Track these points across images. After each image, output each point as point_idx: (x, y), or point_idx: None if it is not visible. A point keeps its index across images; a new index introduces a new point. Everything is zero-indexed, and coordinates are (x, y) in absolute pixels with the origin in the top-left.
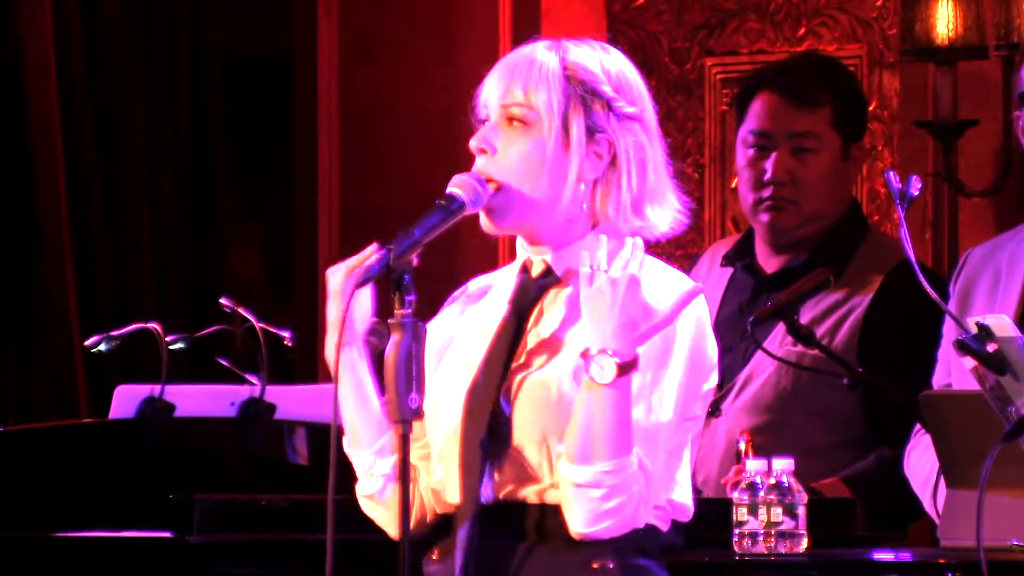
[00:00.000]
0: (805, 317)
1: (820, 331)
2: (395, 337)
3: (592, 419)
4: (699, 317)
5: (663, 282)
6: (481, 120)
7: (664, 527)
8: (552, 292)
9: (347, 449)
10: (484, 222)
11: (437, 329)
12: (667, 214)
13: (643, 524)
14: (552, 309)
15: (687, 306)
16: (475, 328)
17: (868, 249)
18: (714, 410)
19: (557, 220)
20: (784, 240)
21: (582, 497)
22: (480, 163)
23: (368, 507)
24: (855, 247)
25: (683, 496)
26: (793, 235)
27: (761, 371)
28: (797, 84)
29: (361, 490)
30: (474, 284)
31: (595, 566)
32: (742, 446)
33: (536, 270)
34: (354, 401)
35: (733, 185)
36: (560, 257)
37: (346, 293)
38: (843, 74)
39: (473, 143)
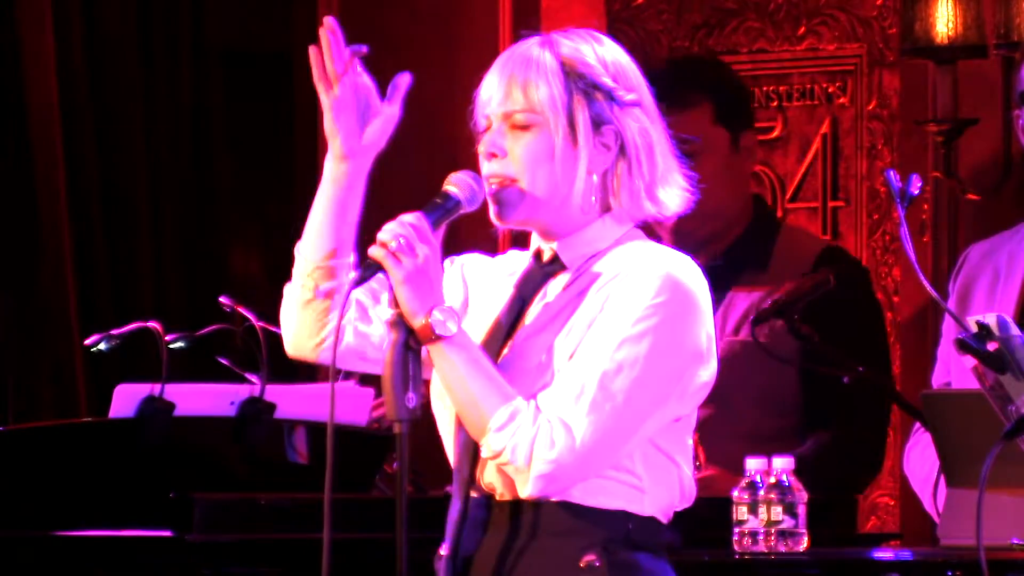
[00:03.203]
0: (737, 312)
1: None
2: (391, 336)
3: (458, 386)
4: (681, 294)
5: (640, 258)
6: (483, 129)
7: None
8: (557, 278)
9: (297, 249)
10: (493, 217)
11: (474, 273)
12: (676, 194)
13: (594, 474)
14: (555, 295)
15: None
16: (486, 311)
17: (786, 239)
18: None
19: (568, 213)
20: (687, 242)
21: (507, 469)
22: (492, 167)
23: (286, 310)
24: (773, 238)
25: (690, 480)
26: (695, 236)
27: None
28: (670, 89)
29: (289, 292)
30: (510, 258)
31: (582, 564)
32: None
33: (546, 257)
34: (331, 210)
35: None
36: (567, 245)
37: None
38: (717, 69)
39: (481, 148)
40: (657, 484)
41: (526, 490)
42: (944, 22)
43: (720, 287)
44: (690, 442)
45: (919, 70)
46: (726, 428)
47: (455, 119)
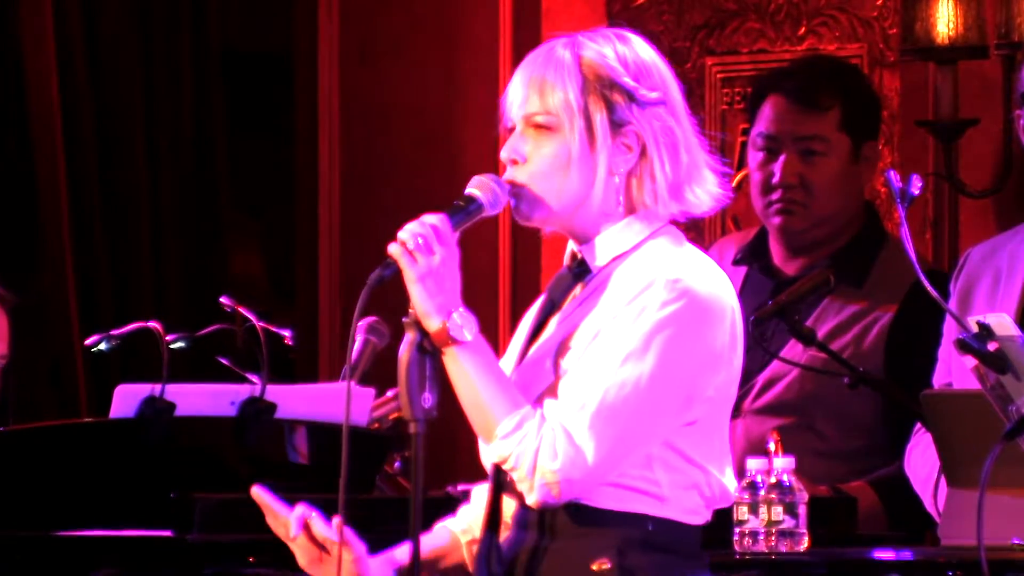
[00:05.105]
0: (828, 324)
1: (845, 339)
2: (408, 336)
3: (468, 391)
4: (691, 301)
5: (654, 263)
6: (509, 129)
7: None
8: (585, 281)
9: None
10: (515, 216)
11: None
12: (708, 191)
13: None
14: (579, 298)
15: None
16: (527, 320)
17: (888, 257)
18: (733, 411)
19: (590, 216)
20: (797, 242)
21: (513, 475)
22: (509, 172)
23: None
24: (875, 254)
25: (721, 482)
26: (805, 237)
27: (785, 374)
28: (804, 88)
29: None
30: None
31: (594, 567)
32: (771, 447)
33: (575, 260)
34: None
35: (734, 183)
36: (592, 247)
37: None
38: (853, 76)
39: (503, 154)
40: (678, 488)
41: (530, 499)
42: (945, 22)
43: (819, 295)
44: (719, 443)
45: (919, 70)
46: (805, 443)
47: (454, 119)
